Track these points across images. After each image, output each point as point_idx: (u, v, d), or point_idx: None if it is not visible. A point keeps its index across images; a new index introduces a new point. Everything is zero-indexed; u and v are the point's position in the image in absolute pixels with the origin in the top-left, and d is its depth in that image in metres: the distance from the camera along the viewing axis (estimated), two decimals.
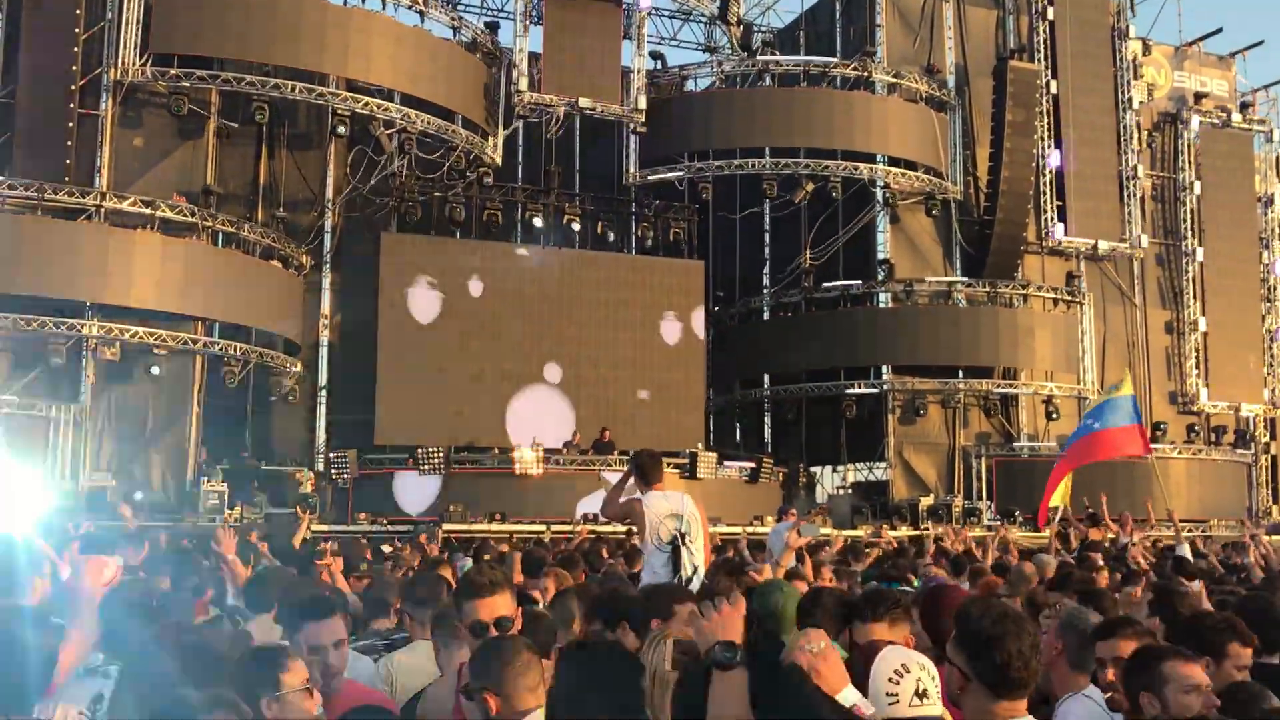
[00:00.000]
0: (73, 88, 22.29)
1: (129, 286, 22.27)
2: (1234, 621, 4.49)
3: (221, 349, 23.82)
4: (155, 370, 22.82)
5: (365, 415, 25.85)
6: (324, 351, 27.73)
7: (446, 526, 20.59)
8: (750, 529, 20.66)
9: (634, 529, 7.50)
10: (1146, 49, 33.11)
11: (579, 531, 18.00)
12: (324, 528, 19.81)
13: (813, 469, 31.98)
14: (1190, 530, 25.25)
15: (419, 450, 23.62)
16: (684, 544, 6.78)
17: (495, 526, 21.60)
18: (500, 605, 3.92)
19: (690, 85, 30.67)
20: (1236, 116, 34.05)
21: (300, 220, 27.12)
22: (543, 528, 21.07)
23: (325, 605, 4.34)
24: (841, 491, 31.78)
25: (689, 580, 6.61)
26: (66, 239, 21.81)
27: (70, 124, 22.35)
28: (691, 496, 7.25)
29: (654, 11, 30.83)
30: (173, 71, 23.11)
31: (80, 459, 22.13)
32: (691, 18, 34.65)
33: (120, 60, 22.84)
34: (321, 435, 27.19)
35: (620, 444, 25.57)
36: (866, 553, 13.00)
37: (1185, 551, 10.24)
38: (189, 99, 23.59)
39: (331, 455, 24.62)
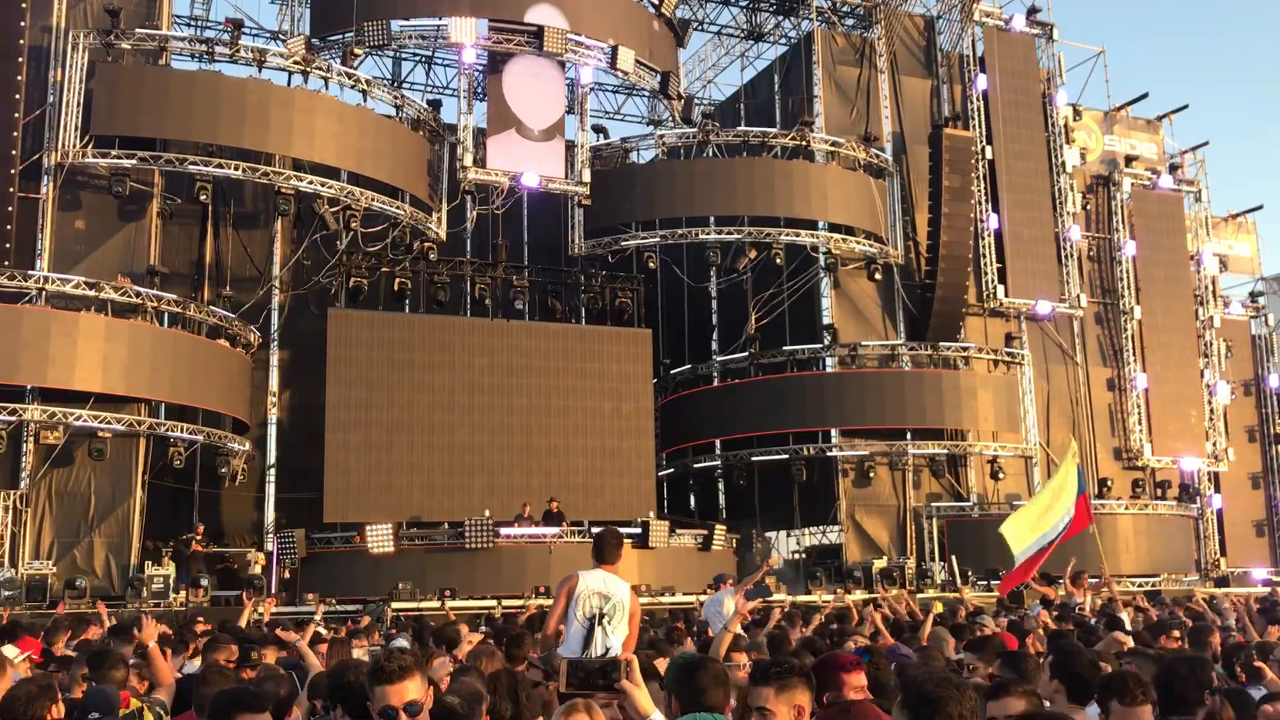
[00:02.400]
0: (13, 171, 22.21)
1: (72, 369, 21.99)
2: (1113, 679, 4.56)
3: (167, 430, 23.50)
4: (98, 453, 22.45)
5: (314, 493, 25.61)
6: (272, 430, 27.58)
7: (395, 605, 20.35)
8: (704, 597, 20.61)
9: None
10: (1077, 114, 34.11)
11: (528, 608, 17.91)
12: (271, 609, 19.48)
13: (768, 534, 32.00)
14: (1139, 585, 25.58)
15: (367, 528, 23.42)
16: (600, 624, 6.80)
17: (448, 604, 21.34)
18: (410, 690, 3.95)
19: (634, 157, 31.12)
20: (1166, 178, 35.09)
21: (247, 298, 27.06)
22: (494, 603, 20.91)
23: (257, 699, 4.26)
24: (796, 556, 31.82)
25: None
26: (7, 322, 21.56)
27: (10, 208, 22.25)
28: (633, 593, 7.10)
29: (597, 87, 31.37)
30: (114, 153, 23.13)
31: (20, 546, 21.73)
32: (634, 92, 35.31)
33: (60, 143, 22.85)
34: (270, 514, 26.91)
35: (570, 514, 25.51)
36: (813, 617, 12.94)
37: (1122, 613, 10.39)
38: (131, 180, 23.46)
39: (279, 535, 24.33)
